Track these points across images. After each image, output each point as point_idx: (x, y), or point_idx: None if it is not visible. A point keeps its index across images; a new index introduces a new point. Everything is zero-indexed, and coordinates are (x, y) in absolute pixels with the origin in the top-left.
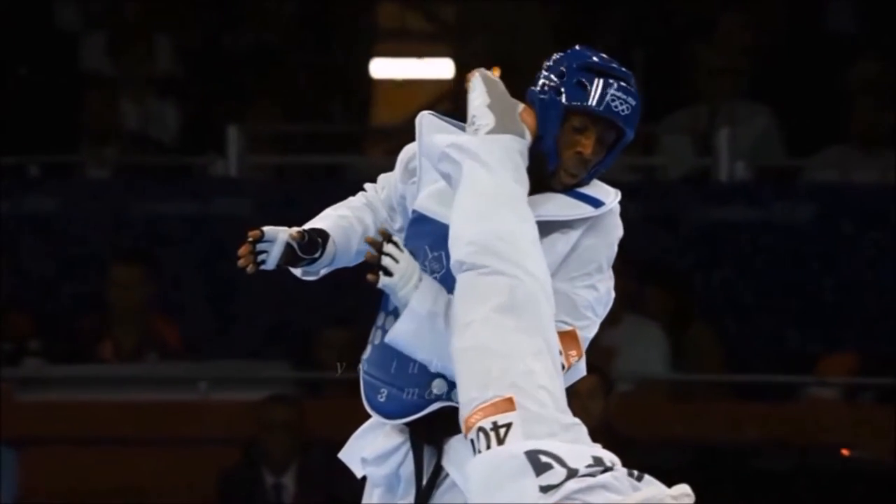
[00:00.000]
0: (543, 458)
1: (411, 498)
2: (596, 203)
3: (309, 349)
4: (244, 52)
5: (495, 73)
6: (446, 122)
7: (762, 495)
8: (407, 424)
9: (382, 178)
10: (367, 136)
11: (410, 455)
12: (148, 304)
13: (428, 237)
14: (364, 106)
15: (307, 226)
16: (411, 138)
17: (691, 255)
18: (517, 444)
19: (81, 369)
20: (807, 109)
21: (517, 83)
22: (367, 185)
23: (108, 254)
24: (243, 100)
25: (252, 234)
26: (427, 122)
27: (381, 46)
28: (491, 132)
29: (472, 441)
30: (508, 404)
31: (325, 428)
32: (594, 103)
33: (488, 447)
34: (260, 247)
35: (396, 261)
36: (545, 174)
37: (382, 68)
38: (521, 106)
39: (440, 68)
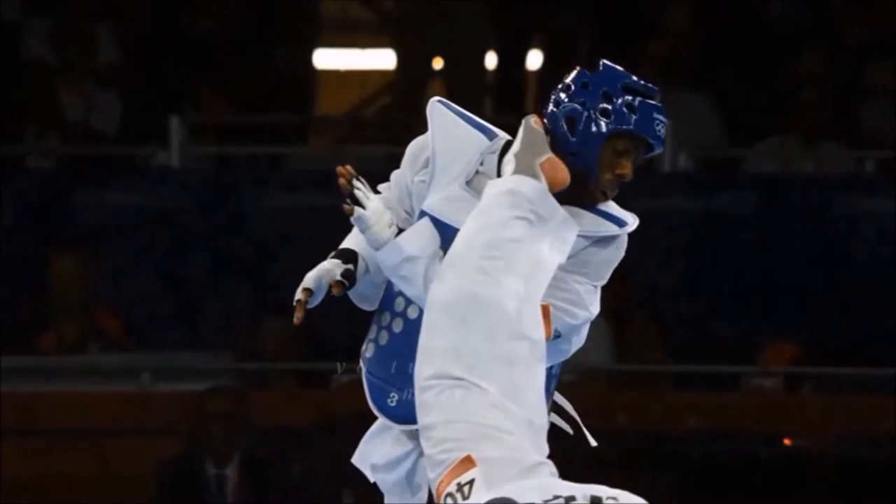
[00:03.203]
0: None
1: (423, 500)
2: (620, 223)
3: (251, 340)
4: (187, 42)
5: (538, 122)
6: (455, 111)
7: (704, 484)
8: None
9: (394, 175)
10: (310, 127)
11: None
12: (90, 295)
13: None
14: (307, 96)
15: (341, 246)
16: (355, 129)
17: (633, 246)
18: (479, 496)
19: (23, 360)
20: (748, 100)
21: (458, 76)
22: (381, 187)
23: (51, 244)
24: (186, 90)
25: (304, 295)
26: (437, 111)
27: (324, 37)
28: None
29: None
30: (468, 463)
31: (268, 419)
32: (645, 129)
33: None
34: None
35: (367, 197)
36: (585, 192)
37: (325, 59)
38: (547, 156)
39: (383, 59)
